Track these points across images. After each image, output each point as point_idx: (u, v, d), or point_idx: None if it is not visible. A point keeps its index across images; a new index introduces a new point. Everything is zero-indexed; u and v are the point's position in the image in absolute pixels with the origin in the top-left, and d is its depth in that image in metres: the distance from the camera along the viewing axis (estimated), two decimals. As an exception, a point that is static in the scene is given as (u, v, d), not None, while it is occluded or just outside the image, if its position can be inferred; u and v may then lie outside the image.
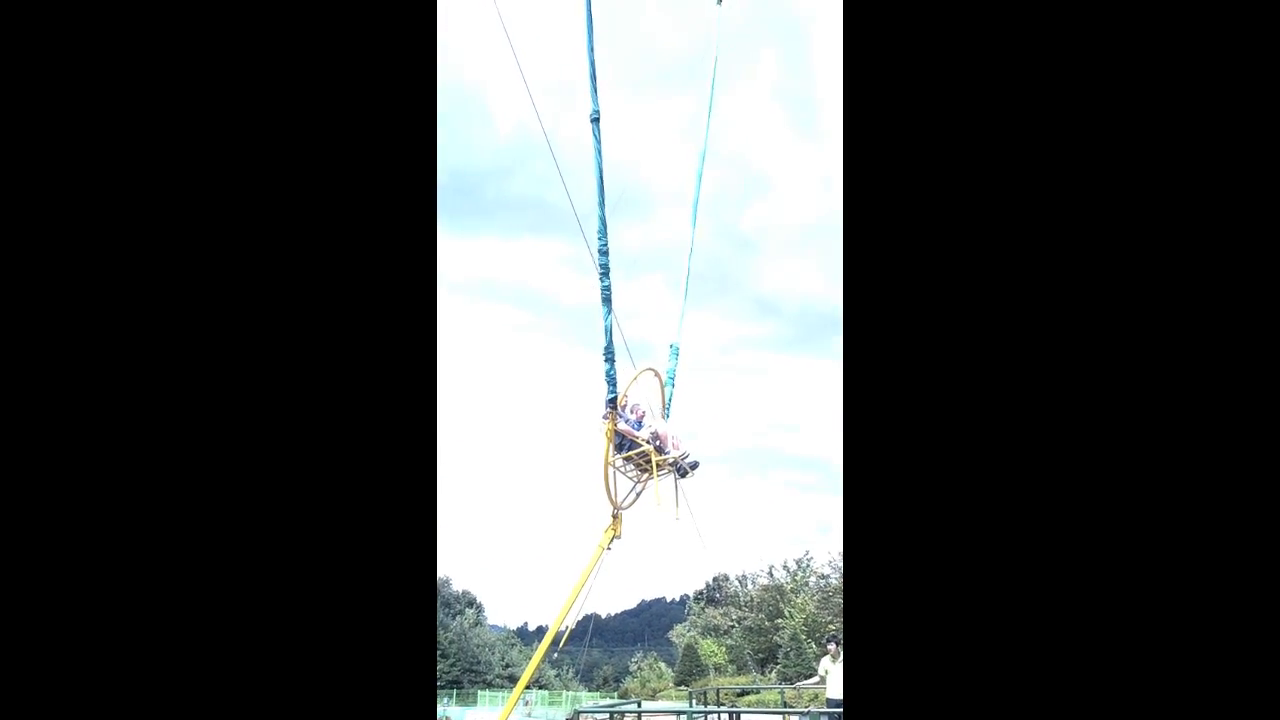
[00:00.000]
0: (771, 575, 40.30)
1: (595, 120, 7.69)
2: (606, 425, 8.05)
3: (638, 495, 8.55)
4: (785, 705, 14.82)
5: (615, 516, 8.43)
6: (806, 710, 11.08)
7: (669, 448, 8.29)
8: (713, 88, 10.26)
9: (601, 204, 7.80)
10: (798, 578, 38.41)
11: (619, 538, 8.44)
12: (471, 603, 58.58)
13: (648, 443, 8.10)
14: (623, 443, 8.21)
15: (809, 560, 39.43)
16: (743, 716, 15.60)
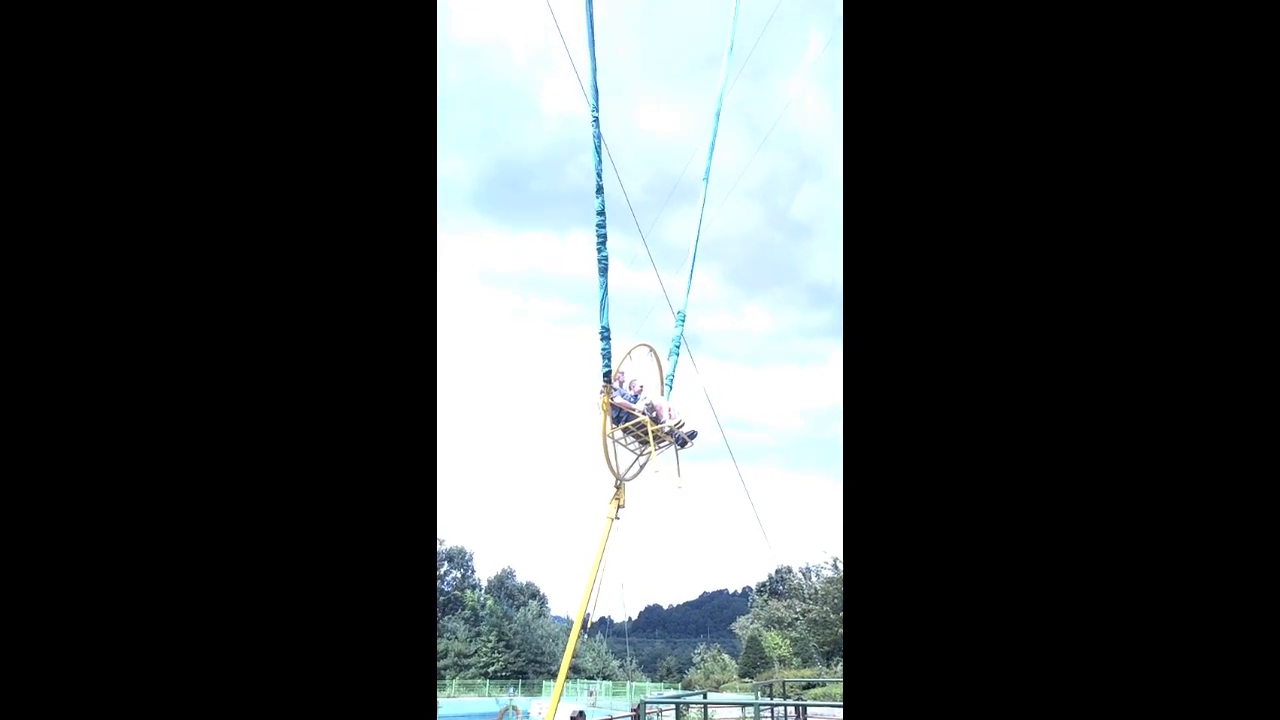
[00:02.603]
0: (836, 567, 39.67)
1: (592, 60, 7.92)
2: (602, 399, 8.35)
3: (641, 467, 8.93)
4: (853, 699, 14.50)
5: (618, 487, 8.86)
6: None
7: (665, 418, 8.60)
8: (733, 34, 10.35)
9: (598, 158, 7.91)
10: (863, 569, 37.70)
11: (623, 507, 8.89)
12: (535, 594, 59.51)
13: (643, 414, 8.41)
14: (620, 415, 8.52)
15: (874, 552, 38.64)
16: (809, 709, 15.39)
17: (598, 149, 8.02)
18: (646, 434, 8.52)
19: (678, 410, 8.89)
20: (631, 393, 8.66)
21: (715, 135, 10.24)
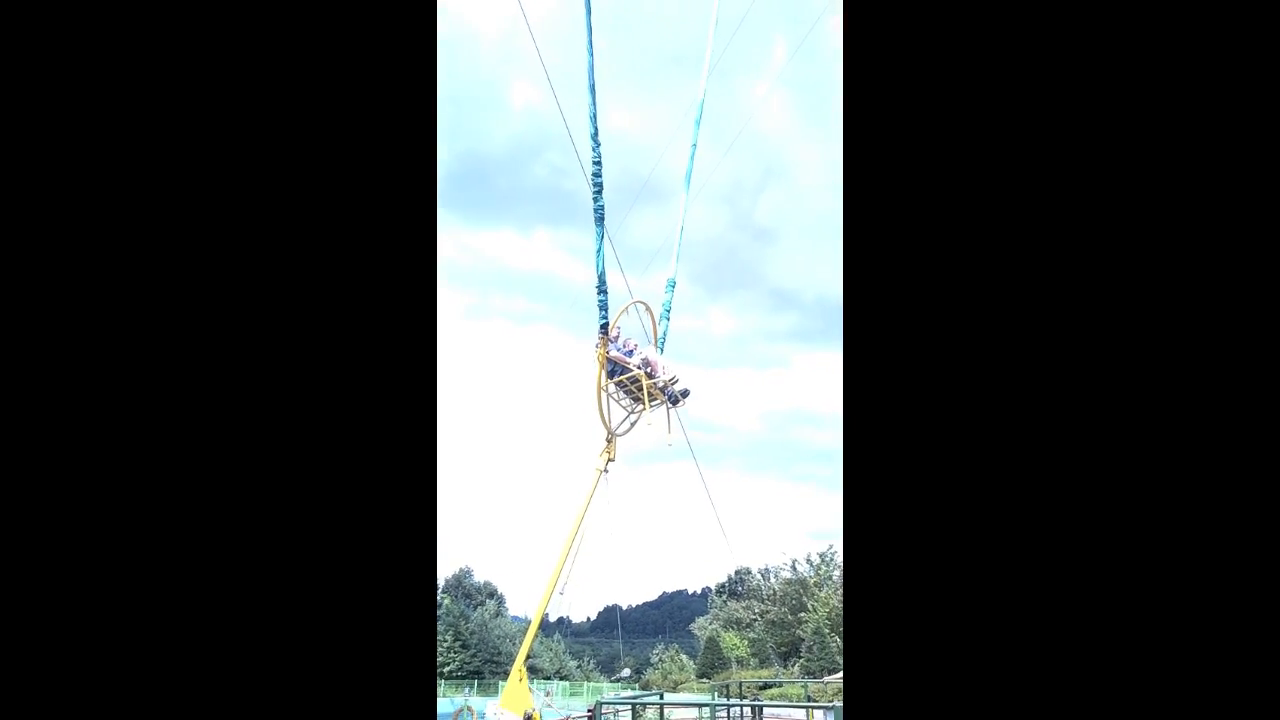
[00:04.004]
0: (795, 569, 40.03)
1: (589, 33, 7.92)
2: (599, 351, 8.41)
3: (633, 424, 9.08)
4: (809, 699, 14.64)
5: (609, 441, 8.94)
6: (831, 704, 10.89)
7: (659, 373, 8.68)
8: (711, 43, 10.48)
9: (593, 103, 7.87)
10: (821, 571, 38.09)
11: (613, 460, 8.99)
12: (493, 594, 59.01)
13: (638, 368, 8.46)
14: (615, 369, 8.55)
15: (833, 554, 39.08)
16: (766, 710, 15.42)
17: (591, 88, 7.92)
18: (639, 389, 8.57)
19: (671, 368, 8.97)
20: (626, 349, 8.70)
21: (695, 144, 10.34)
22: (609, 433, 8.90)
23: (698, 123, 10.38)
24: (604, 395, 8.64)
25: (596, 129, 7.93)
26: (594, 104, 7.91)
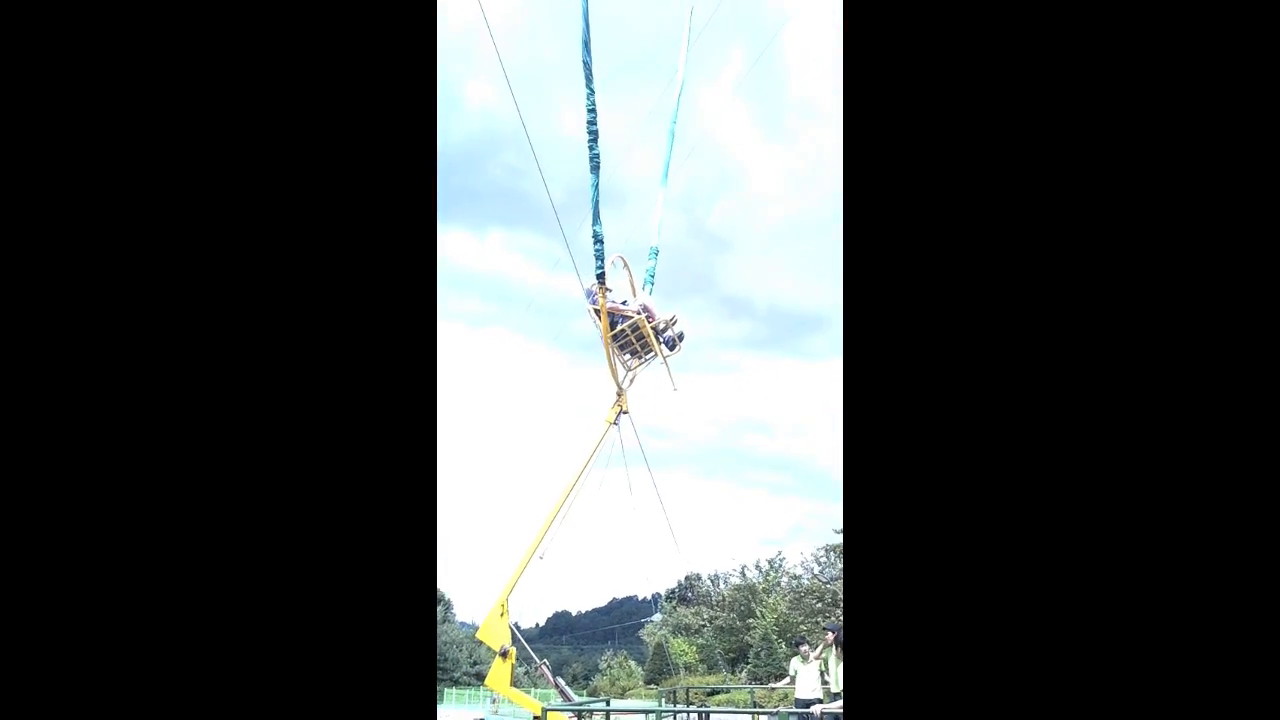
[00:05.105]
0: (744, 575, 40.35)
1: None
2: (600, 302, 8.45)
3: (633, 380, 9.19)
4: (755, 705, 14.76)
5: (620, 394, 9.04)
6: (775, 710, 10.99)
7: (657, 316, 8.81)
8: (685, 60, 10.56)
9: (587, 50, 7.86)
10: (770, 578, 38.48)
11: (626, 412, 9.06)
12: (440, 599, 58.05)
13: (637, 314, 8.56)
14: (614, 320, 8.60)
15: (781, 560, 39.55)
16: (712, 716, 15.51)
17: (585, 43, 7.88)
18: (639, 338, 8.65)
19: (667, 310, 9.11)
20: (619, 300, 8.79)
21: (670, 153, 10.39)
22: (618, 386, 8.95)
23: (671, 134, 10.46)
24: (610, 349, 8.70)
25: (591, 78, 7.86)
26: (588, 53, 7.86)
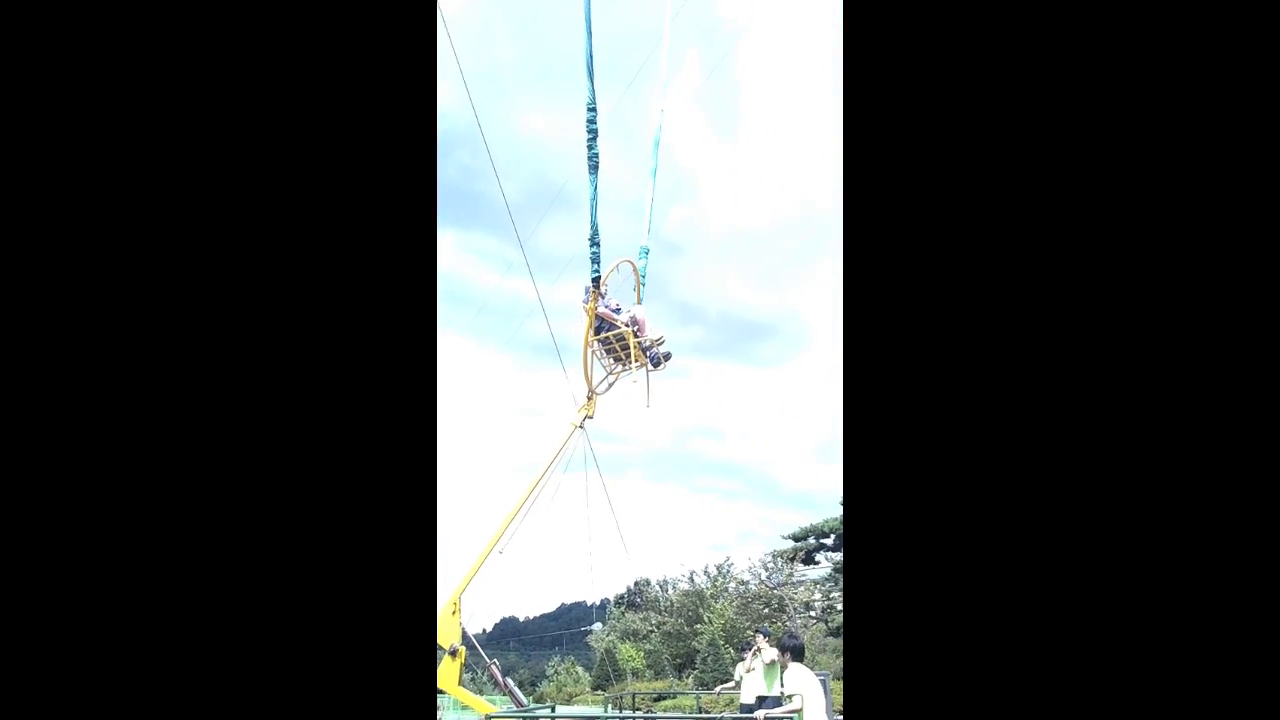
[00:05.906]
0: (692, 581, 40.52)
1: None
2: (589, 305, 8.36)
3: (610, 385, 9.08)
4: (701, 710, 14.84)
5: (590, 398, 8.91)
6: (721, 715, 11.08)
7: (645, 333, 8.73)
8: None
9: (590, 54, 7.77)
10: (718, 583, 38.71)
11: (590, 417, 8.91)
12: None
13: (625, 326, 8.50)
14: (601, 325, 8.56)
15: (729, 566, 39.83)
16: (657, 721, 15.55)
17: (588, 27, 7.74)
18: (624, 347, 8.58)
19: (657, 329, 8.98)
20: (613, 307, 8.67)
21: (656, 162, 10.23)
22: (590, 389, 8.87)
23: (656, 143, 10.34)
24: (589, 351, 8.65)
25: (593, 75, 7.73)
26: (590, 47, 7.75)
